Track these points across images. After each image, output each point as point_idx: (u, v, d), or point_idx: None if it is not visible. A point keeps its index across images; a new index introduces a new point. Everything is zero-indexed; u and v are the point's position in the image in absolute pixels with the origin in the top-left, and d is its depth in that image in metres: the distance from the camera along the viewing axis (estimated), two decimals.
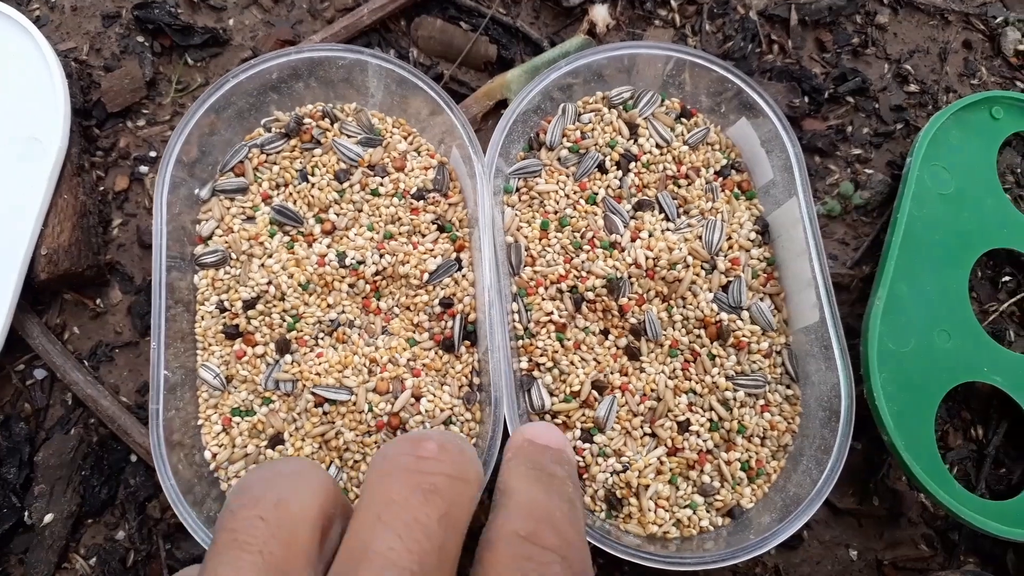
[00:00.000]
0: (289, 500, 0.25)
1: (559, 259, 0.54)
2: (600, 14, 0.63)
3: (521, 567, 0.24)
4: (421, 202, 0.54)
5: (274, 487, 0.26)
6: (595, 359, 0.53)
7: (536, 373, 0.52)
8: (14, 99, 0.55)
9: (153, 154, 0.59)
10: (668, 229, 0.55)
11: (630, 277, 0.53)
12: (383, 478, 0.26)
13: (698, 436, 0.52)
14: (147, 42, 0.61)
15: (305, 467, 0.27)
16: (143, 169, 0.59)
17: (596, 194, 0.56)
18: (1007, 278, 0.61)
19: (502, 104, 0.60)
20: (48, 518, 0.51)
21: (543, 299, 0.53)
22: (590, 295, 0.53)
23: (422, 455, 0.26)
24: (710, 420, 0.52)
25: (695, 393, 0.52)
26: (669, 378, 0.52)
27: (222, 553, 0.24)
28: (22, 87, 0.55)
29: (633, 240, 0.54)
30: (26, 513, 0.51)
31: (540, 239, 0.55)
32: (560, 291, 0.53)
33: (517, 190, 0.56)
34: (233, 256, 0.53)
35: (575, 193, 0.56)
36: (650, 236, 0.54)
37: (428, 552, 0.23)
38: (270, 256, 0.52)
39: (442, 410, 0.50)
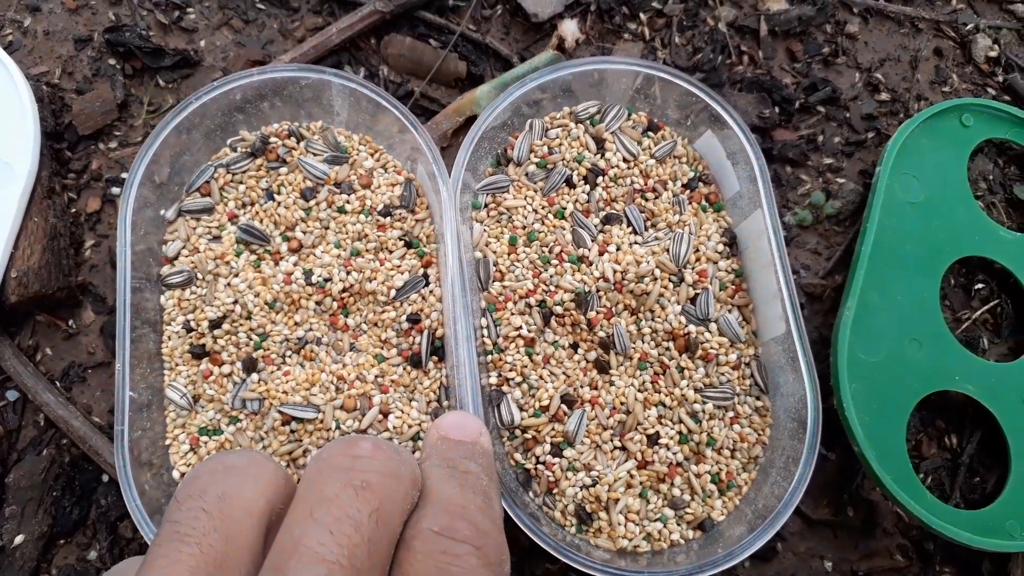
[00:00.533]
0: (234, 494, 0.25)
1: (528, 274, 0.54)
2: (569, 29, 0.64)
3: (437, 561, 0.25)
4: (388, 219, 0.54)
5: (221, 480, 0.26)
6: (564, 373, 0.53)
7: (505, 388, 0.52)
8: None
9: (125, 175, 0.60)
10: (636, 242, 0.55)
11: (598, 291, 0.53)
12: (317, 476, 0.26)
13: (668, 449, 0.51)
14: (119, 65, 0.62)
15: (256, 460, 0.28)
16: (115, 190, 0.59)
17: (564, 209, 0.56)
18: (980, 286, 0.61)
19: (472, 120, 0.61)
20: (19, 539, 0.51)
21: (512, 314, 0.53)
22: (559, 309, 0.53)
23: (357, 454, 0.26)
24: (679, 433, 0.52)
25: (664, 406, 0.52)
26: (638, 391, 0.52)
27: (163, 544, 0.24)
28: None
29: (601, 254, 0.54)
30: None
31: (509, 254, 0.55)
32: (529, 306, 0.53)
33: (485, 206, 0.56)
34: (199, 276, 0.53)
35: (543, 208, 0.56)
36: (618, 250, 0.54)
37: (358, 545, 0.23)
38: (236, 275, 0.53)
39: (410, 426, 0.50)
